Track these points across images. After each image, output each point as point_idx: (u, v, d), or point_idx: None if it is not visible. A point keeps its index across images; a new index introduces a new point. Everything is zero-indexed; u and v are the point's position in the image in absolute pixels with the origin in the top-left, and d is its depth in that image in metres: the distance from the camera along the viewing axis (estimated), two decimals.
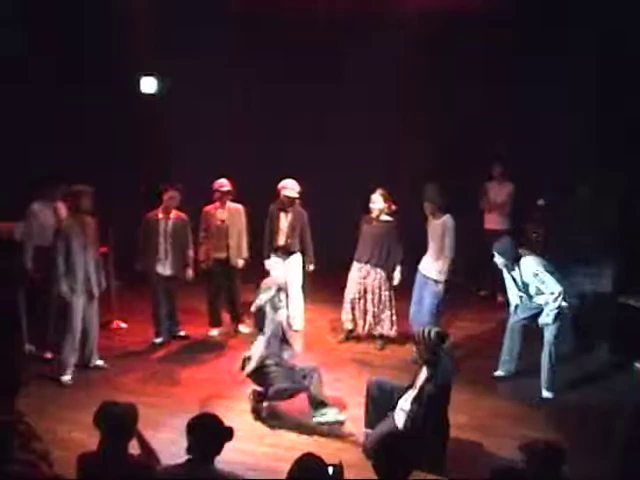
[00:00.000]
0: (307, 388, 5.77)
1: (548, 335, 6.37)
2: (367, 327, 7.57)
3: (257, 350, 5.92)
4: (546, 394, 6.40)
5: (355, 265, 7.58)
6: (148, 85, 9.61)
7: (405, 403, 5.33)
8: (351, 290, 7.57)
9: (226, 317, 8.08)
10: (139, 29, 9.08)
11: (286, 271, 7.69)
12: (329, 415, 5.71)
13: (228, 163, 8.18)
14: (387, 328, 7.52)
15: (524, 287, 6.51)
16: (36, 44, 8.47)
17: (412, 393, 5.34)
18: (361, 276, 7.52)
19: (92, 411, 3.95)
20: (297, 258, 7.84)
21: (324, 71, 9.47)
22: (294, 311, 7.80)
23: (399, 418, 5.32)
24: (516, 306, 6.67)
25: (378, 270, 7.46)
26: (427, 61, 9.09)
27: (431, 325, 5.73)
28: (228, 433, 3.84)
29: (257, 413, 5.96)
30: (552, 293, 6.24)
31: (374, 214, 7.48)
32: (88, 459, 3.87)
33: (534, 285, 6.41)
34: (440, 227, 7.08)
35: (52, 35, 8.68)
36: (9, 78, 8.24)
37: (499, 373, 6.82)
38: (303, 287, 7.93)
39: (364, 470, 4.33)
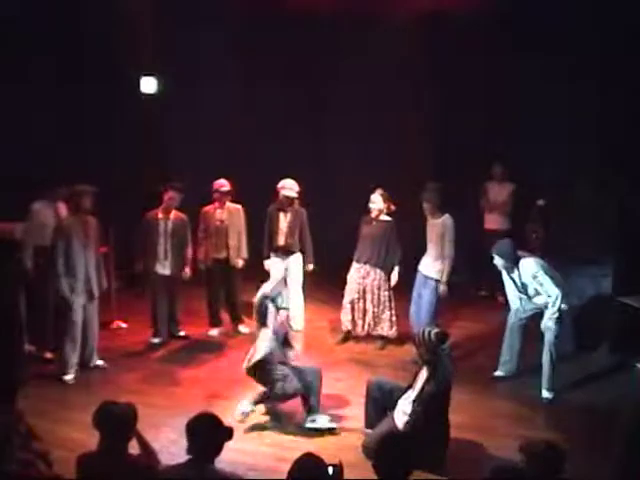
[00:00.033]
0: (306, 390, 5.74)
1: (548, 335, 6.36)
2: (367, 327, 7.57)
3: (262, 342, 5.79)
4: (546, 394, 6.40)
5: (354, 265, 7.58)
6: (148, 85, 9.60)
7: (405, 403, 5.34)
8: (350, 290, 7.57)
9: (226, 317, 8.08)
10: (139, 29, 9.08)
11: (286, 271, 7.69)
12: (319, 422, 5.72)
13: (228, 163, 8.17)
14: (387, 329, 7.52)
15: (523, 288, 6.51)
16: (36, 44, 8.46)
17: (412, 393, 5.34)
18: (360, 276, 7.52)
19: (92, 411, 3.95)
20: (297, 258, 7.85)
21: (324, 71, 9.47)
22: (294, 311, 7.79)
23: (399, 418, 5.32)
24: (516, 309, 6.68)
25: (377, 270, 7.46)
26: (427, 61, 9.09)
27: (430, 325, 5.73)
28: (228, 433, 3.85)
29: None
30: (550, 296, 6.25)
31: (373, 214, 7.48)
32: (88, 459, 3.87)
33: (533, 287, 6.42)
34: (440, 227, 7.09)
35: (52, 35, 8.67)
36: (9, 78, 8.24)
37: (499, 373, 6.83)
38: (303, 287, 7.93)
39: (364, 470, 4.32)
